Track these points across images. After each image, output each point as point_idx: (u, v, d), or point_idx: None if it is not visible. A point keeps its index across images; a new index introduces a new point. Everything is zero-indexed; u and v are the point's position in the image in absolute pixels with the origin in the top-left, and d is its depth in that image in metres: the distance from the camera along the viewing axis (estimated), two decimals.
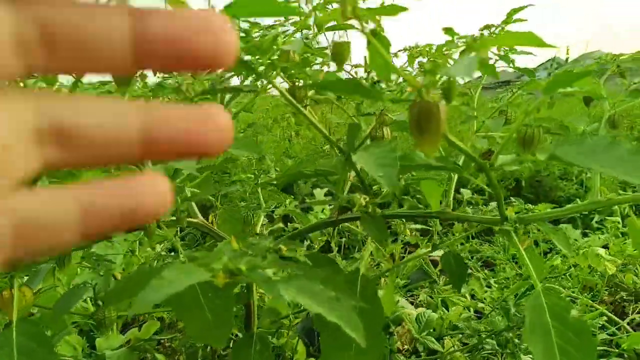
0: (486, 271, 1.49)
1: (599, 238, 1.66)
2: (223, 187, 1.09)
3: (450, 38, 0.63)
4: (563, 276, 1.28)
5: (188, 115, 0.19)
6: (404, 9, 0.38)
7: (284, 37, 0.56)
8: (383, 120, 0.68)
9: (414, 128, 0.32)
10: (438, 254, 1.42)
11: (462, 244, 1.83)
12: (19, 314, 0.46)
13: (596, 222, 1.90)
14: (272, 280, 0.36)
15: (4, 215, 0.16)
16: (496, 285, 1.39)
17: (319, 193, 1.65)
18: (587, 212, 2.00)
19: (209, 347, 0.86)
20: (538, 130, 0.46)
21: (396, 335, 0.77)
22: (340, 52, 0.44)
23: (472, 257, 1.57)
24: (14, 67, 0.16)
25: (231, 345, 0.89)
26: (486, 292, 1.39)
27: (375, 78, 0.74)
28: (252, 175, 1.07)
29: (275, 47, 0.51)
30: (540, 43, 0.46)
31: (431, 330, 0.87)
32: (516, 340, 0.73)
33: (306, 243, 1.77)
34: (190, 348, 0.86)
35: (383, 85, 0.73)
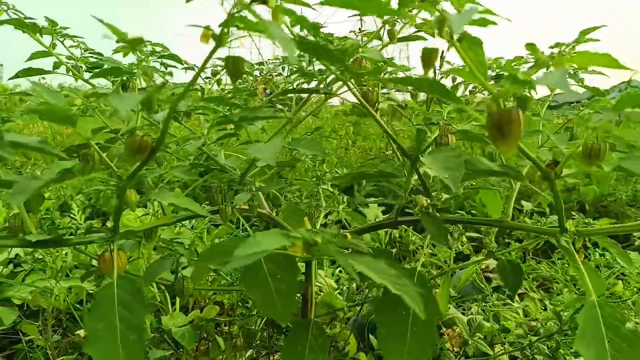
0: (541, 291, 1.47)
1: None
2: (286, 187, 1.16)
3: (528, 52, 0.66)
4: (623, 302, 1.23)
5: None
6: (493, 22, 0.42)
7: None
8: (447, 129, 0.71)
9: (494, 131, 0.37)
10: (492, 264, 1.41)
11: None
12: (118, 273, 0.53)
13: None
14: (344, 253, 0.41)
15: None
16: (551, 307, 1.36)
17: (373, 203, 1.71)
18: None
19: (265, 332, 0.92)
20: (605, 145, 0.48)
21: (447, 337, 0.79)
22: (428, 57, 0.49)
23: (527, 277, 1.54)
24: None
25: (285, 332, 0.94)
26: (541, 313, 1.36)
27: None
28: (314, 177, 1.12)
29: (355, 53, 0.56)
30: (617, 65, 0.47)
31: (482, 337, 0.88)
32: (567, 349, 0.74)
33: None
34: (249, 331, 0.92)
35: None
